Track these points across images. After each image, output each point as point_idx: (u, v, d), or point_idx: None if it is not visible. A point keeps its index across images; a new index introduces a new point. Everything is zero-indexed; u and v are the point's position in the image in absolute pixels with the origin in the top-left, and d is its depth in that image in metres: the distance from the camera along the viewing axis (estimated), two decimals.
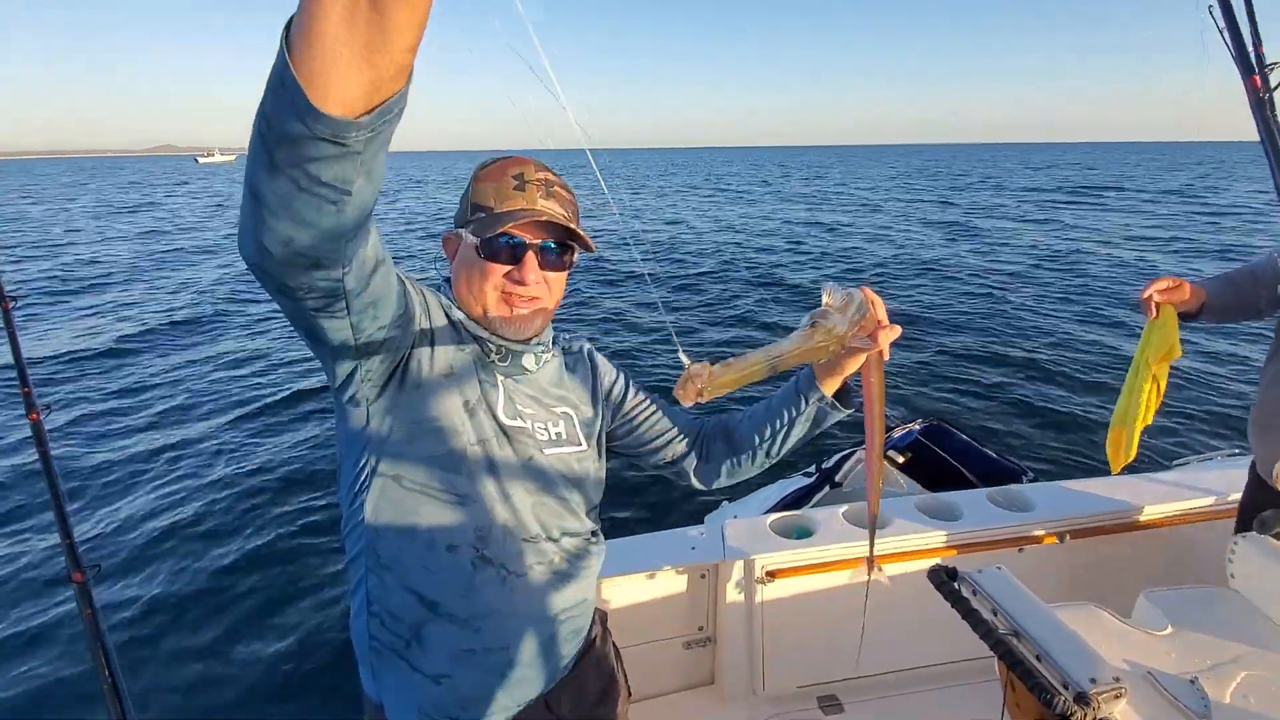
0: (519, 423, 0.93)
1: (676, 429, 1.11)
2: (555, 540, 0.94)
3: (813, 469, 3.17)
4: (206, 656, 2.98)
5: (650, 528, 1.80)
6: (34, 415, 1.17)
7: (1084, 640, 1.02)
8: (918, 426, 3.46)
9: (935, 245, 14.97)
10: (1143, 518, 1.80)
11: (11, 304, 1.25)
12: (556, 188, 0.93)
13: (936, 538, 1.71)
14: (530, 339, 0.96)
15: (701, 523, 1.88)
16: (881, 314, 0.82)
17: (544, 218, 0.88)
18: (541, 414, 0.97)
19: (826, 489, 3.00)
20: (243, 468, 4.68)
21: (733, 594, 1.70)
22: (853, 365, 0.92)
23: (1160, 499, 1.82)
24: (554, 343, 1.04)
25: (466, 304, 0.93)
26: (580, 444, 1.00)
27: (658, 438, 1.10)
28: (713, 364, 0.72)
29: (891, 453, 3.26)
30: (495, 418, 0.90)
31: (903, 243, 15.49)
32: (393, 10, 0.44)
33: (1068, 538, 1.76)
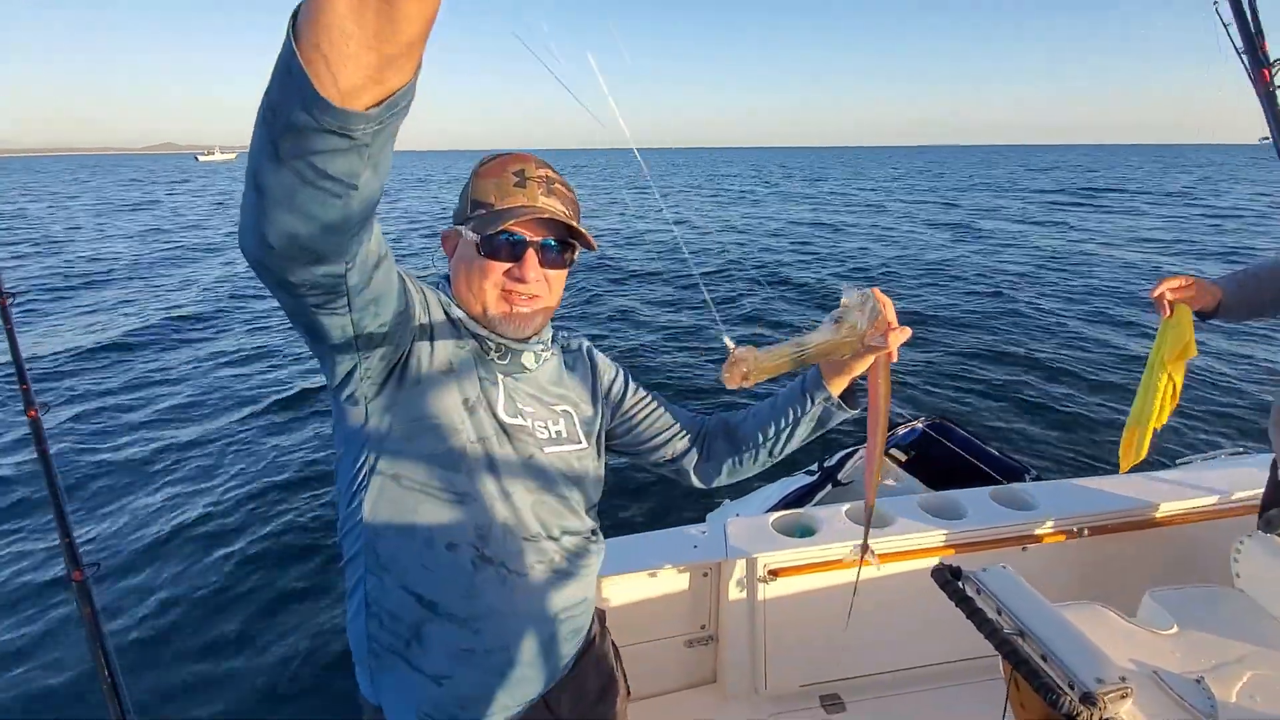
0: (519, 421, 0.92)
1: (677, 427, 1.10)
2: (556, 539, 0.93)
3: (815, 467, 3.16)
4: (206, 657, 2.98)
5: (651, 526, 1.80)
6: (32, 412, 1.17)
7: (1090, 640, 1.02)
8: (920, 424, 3.45)
9: (938, 245, 14.96)
10: (1147, 517, 1.80)
11: (9, 300, 1.24)
12: (557, 185, 0.92)
13: (939, 536, 1.71)
14: (529, 337, 0.95)
15: (703, 521, 1.88)
16: (891, 315, 0.82)
17: (545, 215, 0.87)
18: (542, 412, 0.96)
19: (829, 487, 2.99)
20: (243, 467, 4.68)
21: (735, 592, 1.70)
22: (861, 366, 0.91)
23: (1165, 498, 1.82)
24: (553, 341, 1.04)
25: (466, 302, 0.92)
26: (580, 442, 0.99)
27: (657, 435, 1.09)
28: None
29: (894, 450, 3.25)
30: (495, 415, 0.90)
31: (906, 243, 15.49)
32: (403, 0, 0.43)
33: (1071, 537, 1.75)
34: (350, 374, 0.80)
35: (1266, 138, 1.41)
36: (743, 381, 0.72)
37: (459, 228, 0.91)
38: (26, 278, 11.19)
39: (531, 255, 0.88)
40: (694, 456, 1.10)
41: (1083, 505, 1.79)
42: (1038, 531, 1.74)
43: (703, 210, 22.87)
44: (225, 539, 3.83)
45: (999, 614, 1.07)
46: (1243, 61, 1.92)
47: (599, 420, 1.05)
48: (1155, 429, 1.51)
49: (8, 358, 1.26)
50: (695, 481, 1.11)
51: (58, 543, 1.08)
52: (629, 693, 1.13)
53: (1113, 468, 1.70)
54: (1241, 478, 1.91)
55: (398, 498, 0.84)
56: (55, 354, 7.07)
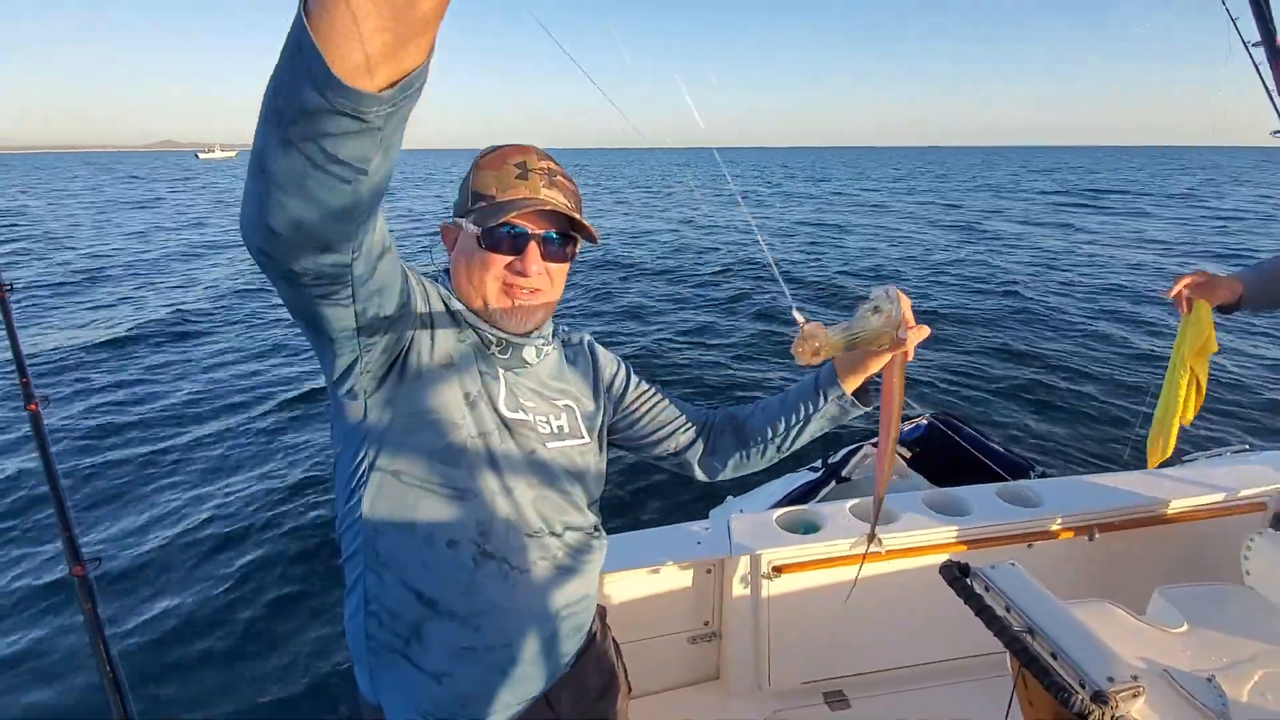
0: (521, 415, 0.91)
1: (680, 420, 1.09)
2: (558, 535, 0.92)
3: (819, 464, 3.15)
4: (208, 654, 2.97)
5: (653, 523, 1.79)
6: (32, 406, 1.15)
7: (1100, 638, 1.01)
8: (924, 421, 3.44)
9: (942, 245, 14.94)
10: (1154, 514, 1.78)
11: (8, 292, 1.23)
12: (559, 177, 0.91)
13: (944, 533, 1.69)
14: (531, 332, 0.94)
15: (705, 517, 1.87)
16: (909, 314, 0.81)
17: (547, 207, 0.86)
18: (543, 407, 0.95)
19: (833, 484, 2.98)
20: (246, 466, 4.67)
21: (739, 589, 1.69)
22: (876, 364, 0.90)
23: (1171, 495, 1.80)
24: (554, 335, 1.02)
25: (466, 295, 0.91)
26: (583, 437, 0.98)
27: (660, 429, 1.08)
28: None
29: (899, 447, 3.23)
30: (497, 410, 0.89)
31: (910, 243, 15.47)
32: None
33: (1077, 534, 1.74)
34: (350, 368, 0.79)
35: (1278, 131, 1.41)
36: (813, 357, 0.73)
37: (459, 220, 0.90)
38: (27, 276, 11.17)
39: (533, 248, 0.87)
40: (698, 450, 1.09)
41: (1089, 502, 1.78)
42: (1043, 529, 1.73)
43: (709, 213, 22.82)
44: (228, 537, 3.82)
45: (1008, 611, 1.06)
46: (1250, 55, 1.92)
47: (601, 415, 1.04)
48: (1182, 425, 1.51)
49: (9, 355, 1.25)
50: (698, 475, 1.10)
51: (58, 538, 1.07)
52: (630, 690, 1.12)
53: (1118, 465, 1.70)
54: (1248, 475, 1.90)
55: (397, 494, 0.83)
56: (56, 351, 7.06)
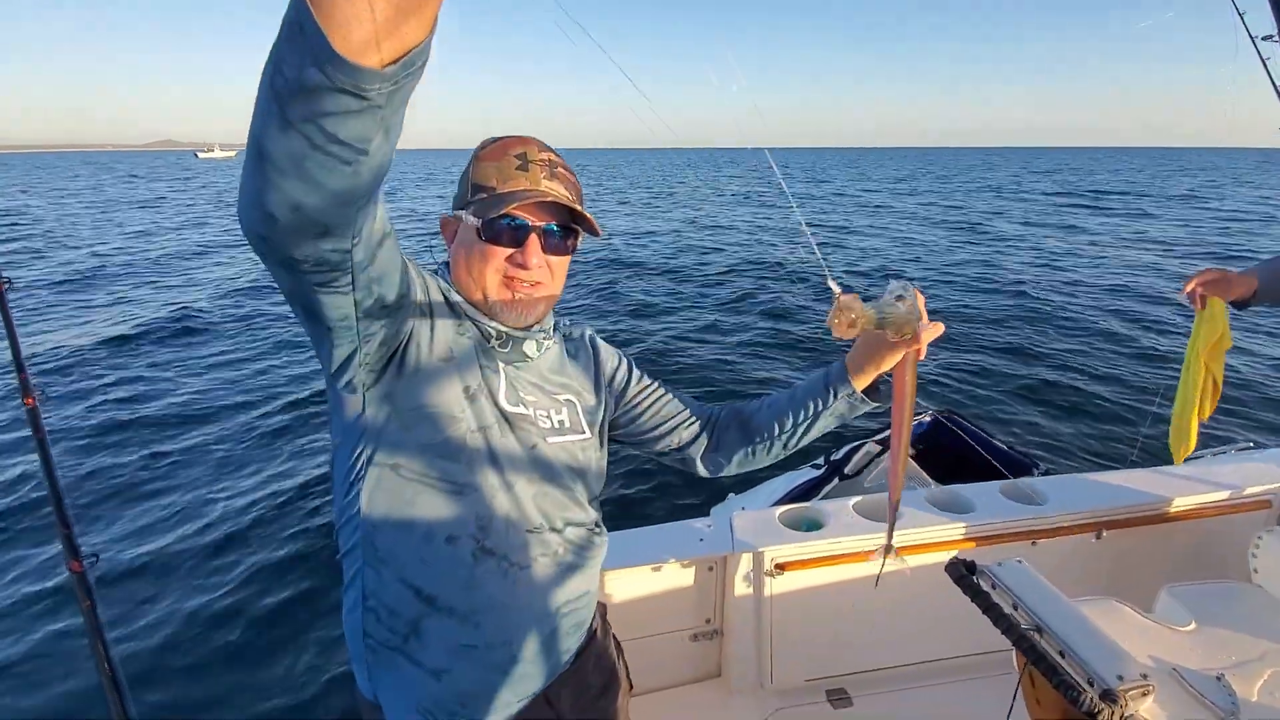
0: (521, 410, 0.90)
1: (683, 415, 1.07)
2: (559, 531, 0.91)
3: (821, 461, 3.14)
4: (207, 655, 2.94)
5: (655, 520, 1.78)
6: (29, 400, 1.14)
7: (1108, 636, 1.00)
8: (928, 418, 3.43)
9: (946, 245, 14.93)
10: (1159, 511, 1.78)
11: (6, 285, 1.22)
12: (560, 169, 0.89)
13: (947, 531, 1.69)
14: (532, 325, 0.93)
15: (707, 514, 1.86)
16: (923, 311, 0.80)
17: (548, 198, 0.85)
18: (544, 401, 0.94)
19: (835, 481, 2.97)
20: (247, 465, 4.63)
21: (741, 587, 1.68)
22: (889, 361, 0.89)
23: (1176, 492, 1.80)
24: (554, 329, 1.01)
25: (466, 289, 0.89)
26: (584, 432, 0.97)
27: (662, 424, 1.07)
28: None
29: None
30: (497, 404, 0.87)
31: (913, 243, 15.46)
32: None
33: (1082, 531, 1.73)
34: (348, 360, 0.77)
35: None
36: (849, 329, 0.72)
37: (459, 213, 0.89)
38: (28, 275, 11.14)
39: (534, 240, 0.86)
40: (701, 445, 1.07)
41: (1093, 500, 1.78)
42: (1048, 526, 1.72)
43: (710, 212, 22.81)
44: (229, 538, 3.79)
45: (1015, 609, 1.05)
46: (1258, 50, 1.91)
47: (602, 410, 1.03)
48: (1201, 420, 1.52)
49: (7, 355, 1.24)
50: (701, 470, 1.09)
51: (56, 538, 1.05)
52: (631, 687, 1.11)
53: (1122, 463, 1.70)
54: (1253, 473, 1.89)
55: (396, 489, 0.82)
56: (56, 350, 7.03)
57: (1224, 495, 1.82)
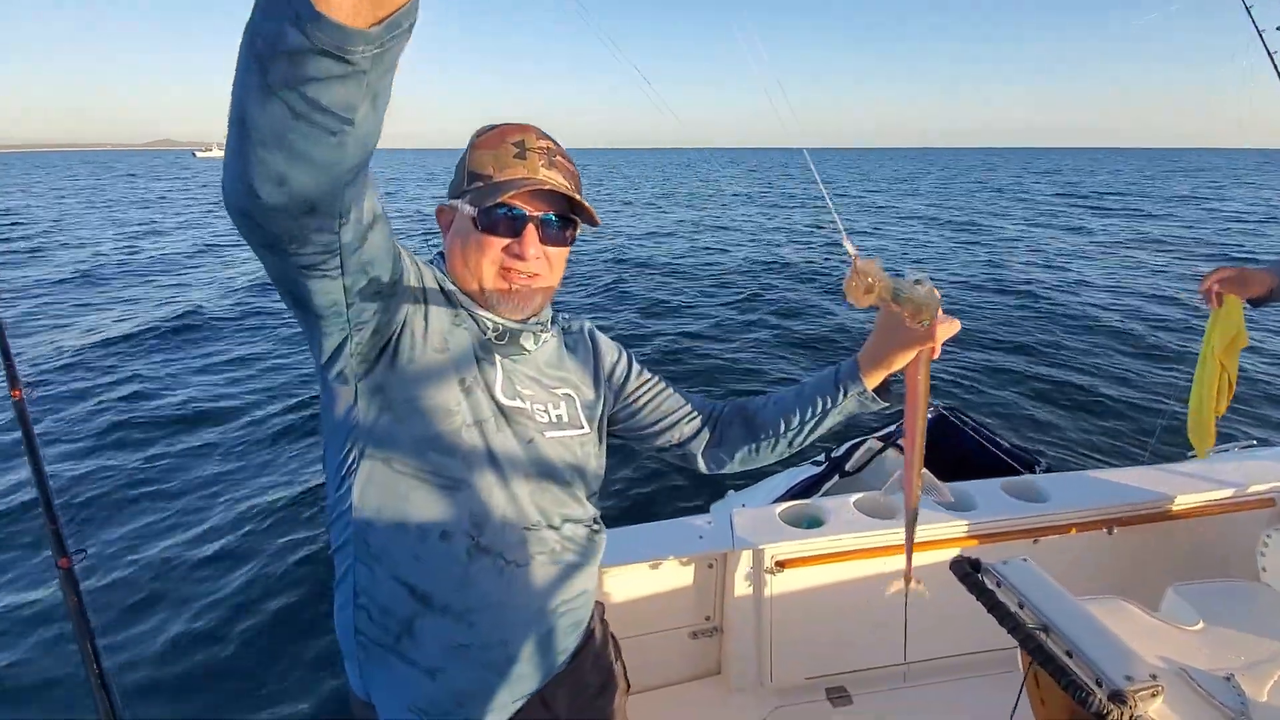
0: (518, 404, 0.87)
1: (684, 410, 1.05)
2: (556, 528, 0.89)
3: (822, 457, 3.12)
4: (195, 649, 2.92)
5: (654, 517, 1.76)
6: (16, 392, 1.12)
7: (1115, 635, 0.98)
8: (929, 415, 3.41)
9: (947, 245, 14.92)
10: (1162, 509, 1.76)
11: None
12: (558, 157, 0.87)
13: (950, 528, 1.67)
14: (529, 318, 0.91)
15: (706, 511, 1.85)
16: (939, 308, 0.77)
17: (546, 187, 0.82)
18: (542, 395, 0.91)
19: (836, 478, 2.95)
20: (247, 469, 4.60)
21: (741, 584, 1.67)
22: (903, 359, 0.85)
23: (1180, 490, 1.78)
24: (552, 322, 0.99)
25: (462, 279, 0.87)
26: (582, 427, 0.95)
27: (663, 419, 1.04)
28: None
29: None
30: (493, 398, 0.85)
31: (916, 243, 15.46)
32: None
33: (1085, 529, 1.72)
34: (339, 349, 0.75)
35: None
36: (866, 295, 0.66)
37: (454, 202, 0.86)
38: (26, 276, 11.08)
39: (531, 231, 0.84)
40: (702, 441, 1.05)
41: (1096, 497, 1.76)
42: (1050, 524, 1.71)
43: (714, 212, 22.77)
44: (224, 539, 3.76)
45: (1020, 608, 1.03)
46: (1264, 44, 1.89)
47: (601, 404, 1.01)
48: (1217, 416, 1.52)
49: None
50: (702, 466, 1.06)
51: (46, 547, 1.03)
52: (629, 687, 1.09)
53: (1125, 460, 1.69)
54: (1256, 471, 1.88)
55: (388, 484, 0.80)
56: (55, 351, 6.99)
57: (1227, 493, 1.81)
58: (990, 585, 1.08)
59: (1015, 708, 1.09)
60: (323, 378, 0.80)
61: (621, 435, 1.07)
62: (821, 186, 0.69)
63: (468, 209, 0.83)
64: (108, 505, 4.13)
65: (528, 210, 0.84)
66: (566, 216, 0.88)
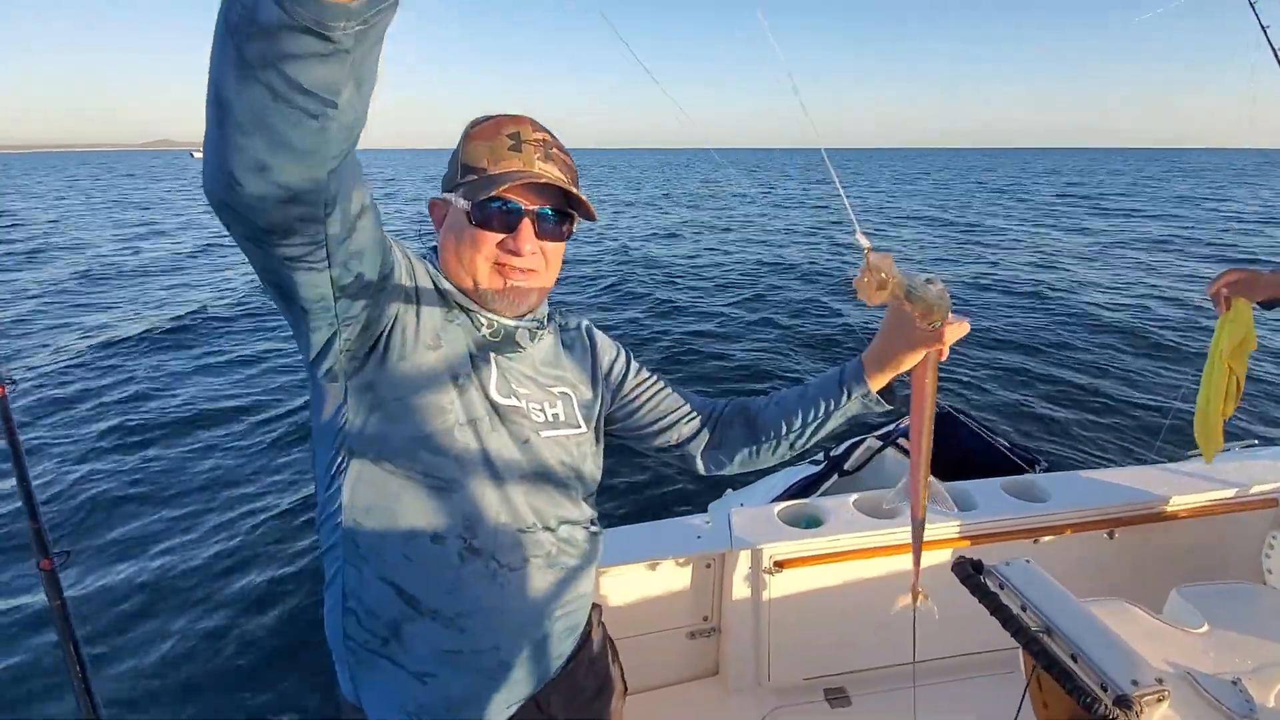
0: (513, 402, 0.85)
1: (683, 410, 1.03)
2: (552, 530, 0.86)
3: (821, 456, 3.10)
4: (180, 652, 2.88)
5: (651, 516, 1.75)
6: None
7: (1121, 639, 0.96)
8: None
9: (948, 246, 14.90)
10: (1163, 510, 1.75)
11: None
12: (555, 149, 0.84)
13: (949, 528, 1.66)
14: (524, 315, 0.88)
15: (704, 511, 1.84)
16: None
17: (542, 180, 0.80)
18: (538, 394, 0.89)
19: (835, 477, 2.93)
20: (243, 473, 4.55)
21: (739, 584, 1.65)
22: (910, 361, 0.84)
23: (1181, 490, 1.77)
24: (549, 319, 0.97)
25: (455, 275, 0.85)
26: (579, 426, 0.92)
27: (661, 419, 1.02)
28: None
29: (902, 440, 3.18)
30: (487, 396, 0.83)
31: (918, 244, 15.44)
32: None
33: (1085, 529, 1.71)
34: (328, 346, 0.73)
35: None
36: (878, 292, 0.64)
37: (448, 195, 0.84)
38: (23, 278, 11.03)
39: (527, 225, 0.81)
40: (701, 442, 1.03)
41: (1096, 497, 1.75)
42: (1051, 524, 1.70)
43: (716, 212, 22.73)
44: (212, 538, 3.72)
45: (1024, 610, 1.01)
46: (1268, 40, 1.87)
47: (598, 403, 0.98)
48: (1225, 419, 1.50)
49: None
50: (701, 468, 1.04)
51: (24, 528, 1.01)
52: (626, 689, 1.07)
53: (1128, 459, 1.67)
54: (1258, 471, 1.87)
55: (379, 484, 0.78)
56: (52, 354, 6.95)
57: (1229, 493, 1.80)
58: (993, 587, 1.06)
59: (1019, 710, 1.07)
60: (311, 375, 0.78)
61: (619, 435, 1.04)
62: (838, 182, 0.66)
63: (461, 203, 0.81)
64: (103, 507, 4.09)
65: (523, 204, 0.81)
66: (563, 210, 0.85)
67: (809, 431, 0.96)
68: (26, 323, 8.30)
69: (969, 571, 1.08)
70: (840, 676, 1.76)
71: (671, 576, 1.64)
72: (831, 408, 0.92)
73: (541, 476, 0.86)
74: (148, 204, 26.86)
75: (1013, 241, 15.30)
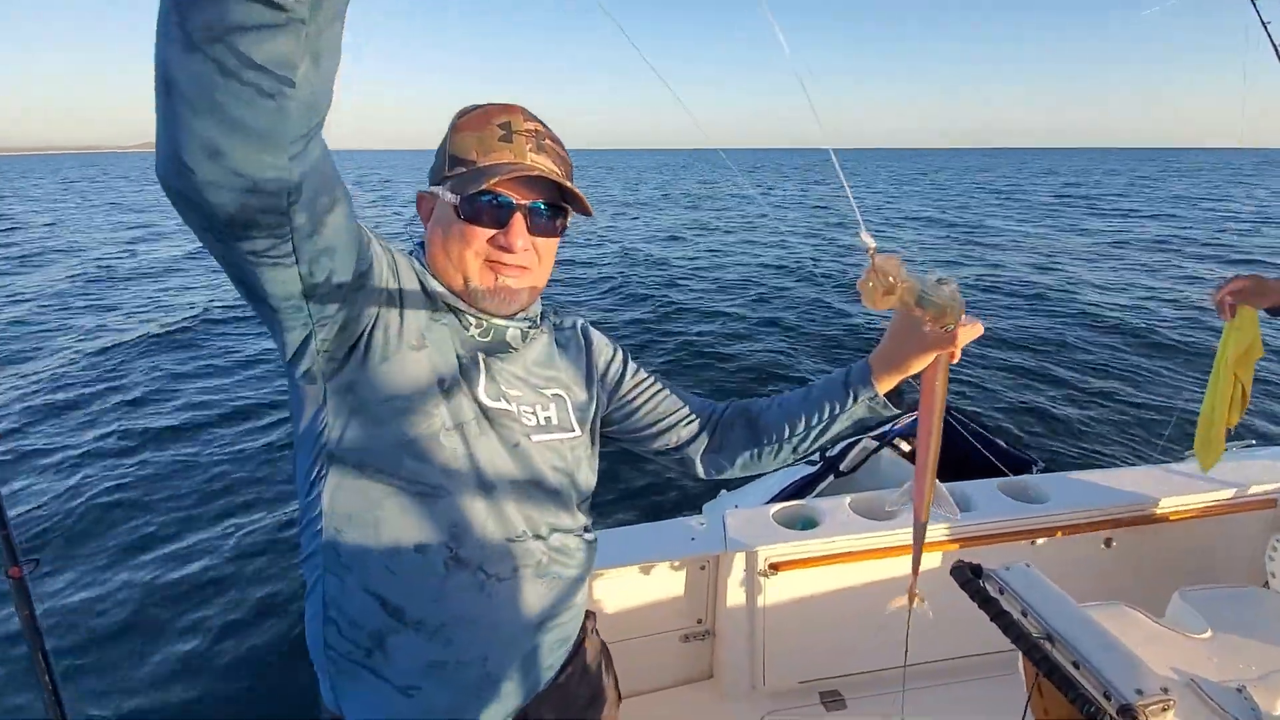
0: (503, 405, 0.81)
1: (682, 412, 0.99)
2: (543, 538, 0.83)
3: (817, 457, 3.08)
4: (153, 660, 2.83)
5: (645, 518, 1.72)
6: None
7: (1123, 645, 0.93)
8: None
9: (949, 246, 14.91)
10: (1161, 511, 1.74)
11: None
12: (548, 140, 0.81)
13: (946, 529, 1.65)
14: (516, 313, 0.85)
15: (699, 512, 1.82)
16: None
17: (534, 173, 0.76)
18: (529, 396, 0.85)
19: (831, 478, 2.91)
20: (212, 465, 4.51)
21: (734, 587, 1.64)
22: (919, 363, 0.80)
23: (1178, 491, 1.76)
24: (542, 318, 0.93)
25: (444, 272, 0.81)
26: (573, 429, 0.89)
27: (659, 421, 0.98)
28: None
29: (898, 440, 3.16)
30: (475, 398, 0.79)
31: (919, 245, 15.44)
32: None
33: (1082, 531, 1.70)
34: (304, 346, 0.69)
35: None
36: (885, 297, 0.59)
37: (435, 188, 0.80)
38: (18, 280, 10.97)
39: (518, 220, 0.78)
40: (701, 445, 0.99)
41: (1093, 499, 1.74)
42: (1047, 525, 1.69)
43: (717, 212, 22.69)
44: (176, 534, 3.68)
45: (1024, 615, 0.99)
46: (1269, 36, 1.85)
47: (594, 406, 0.94)
48: (1228, 428, 1.49)
49: None
50: (700, 472, 1.00)
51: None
52: (620, 698, 1.04)
53: (1131, 459, 1.65)
54: (1255, 471, 1.87)
55: (360, 490, 0.74)
56: (48, 358, 6.91)
57: (1227, 494, 1.79)
58: (993, 592, 1.03)
59: (1024, 716, 1.05)
60: (290, 376, 0.75)
61: (616, 437, 1.01)
62: (845, 183, 0.63)
63: (449, 196, 0.77)
64: (94, 513, 4.03)
65: (515, 198, 0.77)
66: (557, 205, 0.82)
67: (813, 435, 0.92)
68: (21, 325, 8.25)
69: (968, 576, 1.06)
70: (835, 679, 1.75)
71: (665, 579, 1.62)
72: (836, 411, 0.89)
73: (532, 482, 0.83)
74: (142, 207, 26.74)
75: (1012, 242, 15.31)
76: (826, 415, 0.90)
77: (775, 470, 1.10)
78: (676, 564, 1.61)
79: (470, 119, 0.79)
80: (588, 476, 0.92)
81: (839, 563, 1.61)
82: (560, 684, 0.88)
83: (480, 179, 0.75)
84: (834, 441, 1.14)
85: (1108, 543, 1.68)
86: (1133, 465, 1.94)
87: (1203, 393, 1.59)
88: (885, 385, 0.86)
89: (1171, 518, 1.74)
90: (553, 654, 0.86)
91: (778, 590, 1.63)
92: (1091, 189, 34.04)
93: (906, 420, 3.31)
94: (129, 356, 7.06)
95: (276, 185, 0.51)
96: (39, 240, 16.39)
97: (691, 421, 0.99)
